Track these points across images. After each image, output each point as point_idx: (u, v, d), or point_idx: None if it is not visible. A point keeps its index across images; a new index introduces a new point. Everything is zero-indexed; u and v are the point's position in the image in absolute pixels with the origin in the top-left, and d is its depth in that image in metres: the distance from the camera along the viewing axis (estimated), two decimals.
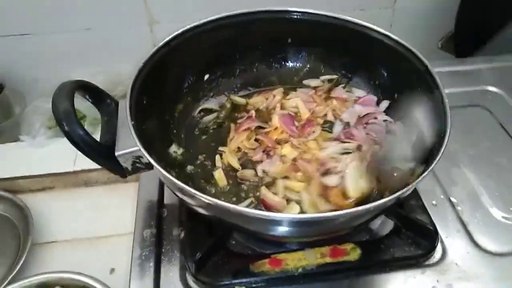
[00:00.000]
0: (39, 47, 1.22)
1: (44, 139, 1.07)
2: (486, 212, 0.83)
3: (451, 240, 0.78)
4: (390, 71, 0.86)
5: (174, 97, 0.86)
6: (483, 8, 1.31)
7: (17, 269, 0.78)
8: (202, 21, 0.84)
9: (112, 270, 0.83)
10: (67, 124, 0.63)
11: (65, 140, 0.64)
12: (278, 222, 0.60)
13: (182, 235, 0.77)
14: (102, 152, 0.67)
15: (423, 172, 0.62)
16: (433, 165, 0.61)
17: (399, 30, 1.39)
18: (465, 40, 1.41)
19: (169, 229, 0.79)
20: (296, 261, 0.72)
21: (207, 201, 0.58)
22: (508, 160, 0.92)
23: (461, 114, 1.00)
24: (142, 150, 0.62)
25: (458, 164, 0.91)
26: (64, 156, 0.98)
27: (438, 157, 0.62)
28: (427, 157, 0.67)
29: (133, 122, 0.66)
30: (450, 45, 1.49)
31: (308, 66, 0.95)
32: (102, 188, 0.99)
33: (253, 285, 0.71)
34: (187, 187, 0.58)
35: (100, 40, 1.26)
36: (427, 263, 0.75)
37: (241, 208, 0.56)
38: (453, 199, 0.85)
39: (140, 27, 1.25)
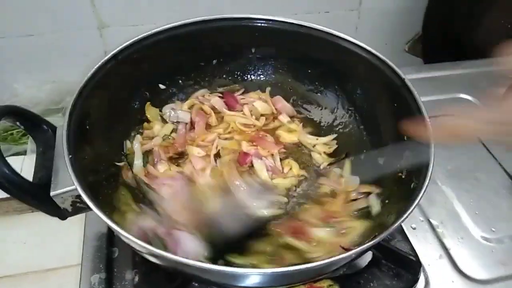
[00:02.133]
0: None
1: None
2: (468, 234, 0.78)
3: (434, 268, 0.72)
4: (362, 85, 0.79)
5: (122, 119, 0.75)
6: (451, 9, 1.28)
7: None
8: (154, 31, 0.74)
9: None
10: None
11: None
12: (240, 276, 0.52)
13: (137, 279, 0.67)
14: (35, 193, 0.57)
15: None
16: (416, 202, 0.54)
17: (365, 33, 1.36)
18: (433, 43, 1.38)
19: (121, 272, 0.69)
20: None
21: (159, 255, 0.48)
22: (486, 174, 0.88)
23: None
24: (81, 191, 0.52)
25: (435, 180, 0.86)
26: None
27: (422, 192, 0.56)
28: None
29: (70, 156, 0.55)
30: (417, 48, 1.46)
31: (274, 78, 0.87)
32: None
33: None
34: (138, 241, 0.49)
35: (45, 46, 1.16)
36: None
37: (201, 264, 0.47)
38: (433, 221, 0.79)
39: (89, 31, 1.16)
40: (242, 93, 0.86)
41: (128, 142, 0.75)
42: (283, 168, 0.76)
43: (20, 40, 1.14)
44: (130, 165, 0.72)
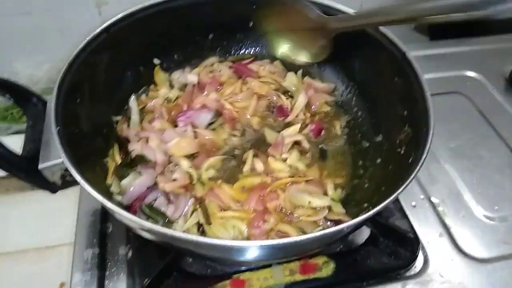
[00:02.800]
0: None
1: None
2: (470, 213, 0.76)
3: (433, 247, 0.71)
4: (363, 59, 0.77)
5: (113, 93, 0.74)
6: None
7: None
8: (147, 4, 0.72)
9: (62, 285, 0.73)
10: None
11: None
12: (232, 249, 0.50)
13: (130, 254, 0.67)
14: (23, 166, 0.56)
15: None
16: (414, 173, 0.53)
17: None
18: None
19: (115, 247, 0.68)
20: (262, 280, 0.63)
21: (148, 228, 0.47)
22: (490, 152, 0.85)
23: (438, 102, 0.90)
24: (68, 164, 0.51)
25: (438, 159, 0.84)
26: None
27: (420, 164, 0.53)
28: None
29: (58, 128, 0.54)
30: (424, 25, 1.42)
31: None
32: (49, 193, 0.88)
33: None
34: (125, 214, 0.47)
35: (43, 25, 1.14)
36: (408, 274, 0.67)
37: (192, 236, 0.46)
38: (434, 199, 0.77)
39: (87, 9, 1.13)
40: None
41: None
42: None
43: (19, 19, 1.12)
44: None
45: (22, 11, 1.11)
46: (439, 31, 1.33)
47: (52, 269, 0.75)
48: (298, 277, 0.63)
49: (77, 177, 0.49)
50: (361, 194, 0.67)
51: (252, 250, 0.50)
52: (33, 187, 0.89)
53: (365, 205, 0.63)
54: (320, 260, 0.65)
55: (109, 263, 0.67)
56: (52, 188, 0.59)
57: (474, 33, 1.12)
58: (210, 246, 0.49)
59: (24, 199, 0.88)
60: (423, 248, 0.70)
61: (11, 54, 1.18)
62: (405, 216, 0.71)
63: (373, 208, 0.50)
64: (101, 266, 0.67)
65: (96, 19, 1.16)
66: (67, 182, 0.58)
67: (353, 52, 0.78)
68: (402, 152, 0.64)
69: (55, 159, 0.55)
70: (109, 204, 0.48)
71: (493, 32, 1.12)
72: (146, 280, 0.60)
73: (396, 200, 0.72)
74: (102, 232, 0.70)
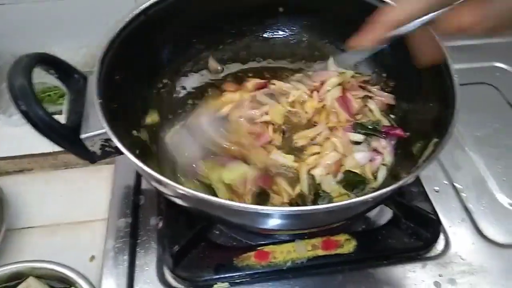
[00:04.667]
0: (14, 19, 1.13)
1: (20, 117, 0.97)
2: (493, 199, 0.76)
3: (455, 230, 0.72)
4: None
5: (152, 72, 0.77)
6: None
7: None
8: None
9: (93, 258, 0.76)
10: (24, 103, 0.55)
11: None
12: (264, 215, 0.53)
13: (161, 224, 0.70)
14: (66, 135, 0.59)
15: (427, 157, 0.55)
16: (439, 150, 0.54)
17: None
18: None
19: (146, 218, 0.72)
20: (285, 253, 0.66)
21: (184, 193, 0.50)
22: None
23: (466, 92, 0.90)
24: (109, 132, 0.54)
25: (463, 146, 0.84)
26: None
27: (445, 141, 0.54)
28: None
29: (100, 101, 0.58)
30: None
31: (304, 39, 0.86)
32: (83, 170, 0.92)
33: (237, 281, 0.64)
34: (162, 178, 0.51)
35: (79, 10, 1.18)
36: (428, 255, 0.69)
37: (224, 201, 0.49)
38: (457, 185, 0.78)
39: None
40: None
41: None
42: None
43: (57, 4, 1.16)
44: None
45: None
46: None
47: (83, 243, 0.78)
48: (320, 252, 0.66)
49: (120, 145, 0.53)
50: None
51: (277, 217, 0.53)
52: (66, 166, 0.94)
53: None
54: (342, 237, 0.67)
55: (141, 233, 0.71)
56: (91, 157, 0.63)
57: None
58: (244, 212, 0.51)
59: (59, 176, 0.92)
60: (444, 232, 0.71)
61: (49, 39, 1.21)
62: (427, 199, 0.72)
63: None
64: (133, 235, 0.71)
65: (131, 4, 1.19)
66: (106, 152, 0.62)
67: None
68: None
69: (96, 129, 0.59)
70: (147, 169, 0.51)
71: None
72: (175, 247, 0.63)
73: (419, 184, 0.74)
74: (135, 203, 0.74)
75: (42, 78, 1.03)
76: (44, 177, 0.92)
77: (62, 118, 0.60)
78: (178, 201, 0.58)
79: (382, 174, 0.69)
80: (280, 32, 0.87)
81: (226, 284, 0.64)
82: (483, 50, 1.04)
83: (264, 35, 0.87)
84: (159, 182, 0.52)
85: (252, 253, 0.65)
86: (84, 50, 1.28)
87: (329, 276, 0.66)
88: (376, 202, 0.57)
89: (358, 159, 0.69)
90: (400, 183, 0.51)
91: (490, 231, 0.72)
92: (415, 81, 0.71)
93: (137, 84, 0.73)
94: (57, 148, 0.90)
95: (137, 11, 0.71)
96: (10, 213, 0.79)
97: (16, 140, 0.93)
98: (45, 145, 0.90)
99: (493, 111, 0.92)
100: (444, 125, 0.56)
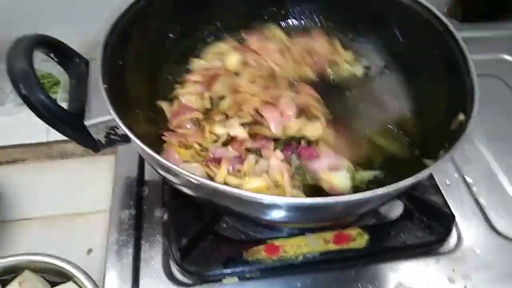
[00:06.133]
0: (7, 5, 1.09)
1: (14, 106, 0.95)
2: (504, 193, 0.75)
3: (467, 225, 0.70)
4: (403, 32, 0.76)
5: (156, 56, 0.74)
6: None
7: None
8: None
9: (90, 251, 0.75)
10: (25, 86, 0.52)
11: None
12: (275, 206, 0.51)
13: (166, 217, 0.68)
14: (69, 121, 0.56)
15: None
16: (457, 145, 0.52)
17: None
18: (472, 2, 1.31)
19: (151, 210, 0.70)
20: (296, 247, 0.64)
21: (194, 181, 0.48)
22: None
23: None
24: (117, 118, 0.52)
25: (473, 140, 0.83)
26: (37, 125, 0.88)
27: (464, 135, 0.53)
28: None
29: (105, 86, 0.55)
30: (458, 10, 1.39)
31: (309, 25, 0.84)
32: (79, 161, 0.90)
33: (247, 275, 0.62)
34: (171, 165, 0.48)
35: None
36: (441, 250, 0.67)
37: (234, 190, 0.46)
38: (468, 179, 0.77)
39: None
40: None
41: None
42: None
43: None
44: None
45: None
46: (473, 17, 1.31)
47: (80, 235, 0.77)
48: (332, 246, 0.64)
49: (128, 132, 0.50)
50: None
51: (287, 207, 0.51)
52: (61, 156, 0.91)
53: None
54: (354, 232, 0.66)
55: (145, 225, 0.68)
56: (96, 145, 0.60)
57: (506, 16, 1.11)
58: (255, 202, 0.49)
59: (54, 167, 0.90)
60: (456, 226, 0.70)
61: (47, 24, 1.17)
62: (439, 193, 0.71)
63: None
64: (137, 227, 0.68)
65: None
66: (111, 140, 0.59)
67: (392, 25, 0.77)
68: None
69: (101, 116, 0.56)
70: (157, 156, 0.48)
71: None
72: (183, 240, 0.61)
73: (431, 178, 0.72)
74: (138, 195, 0.72)
75: (36, 65, 1.01)
76: (39, 167, 0.90)
77: None
78: (187, 191, 0.56)
79: None
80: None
81: (235, 279, 0.62)
82: (490, 43, 1.03)
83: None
84: (168, 170, 0.50)
85: (262, 246, 0.63)
86: (80, 37, 1.24)
87: (342, 271, 0.64)
88: (391, 196, 0.55)
89: None
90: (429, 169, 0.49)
91: (502, 225, 0.71)
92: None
93: (142, 69, 0.70)
94: (51, 138, 0.88)
95: None
96: (4, 205, 0.78)
97: (9, 129, 0.90)
98: (39, 135, 0.88)
99: (500, 104, 0.90)
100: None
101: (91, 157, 0.89)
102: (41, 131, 0.88)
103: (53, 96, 1.11)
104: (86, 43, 1.22)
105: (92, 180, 0.86)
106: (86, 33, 1.18)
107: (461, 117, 0.58)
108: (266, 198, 0.47)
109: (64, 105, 0.62)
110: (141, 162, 0.76)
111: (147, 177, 0.75)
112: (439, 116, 0.64)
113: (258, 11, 0.82)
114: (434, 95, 0.68)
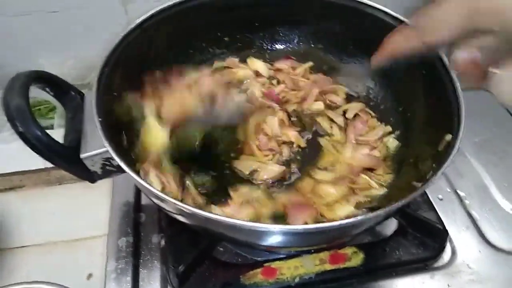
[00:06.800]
0: (2, 31, 1.11)
1: (11, 133, 0.95)
2: (496, 206, 0.76)
3: (461, 239, 0.71)
4: None
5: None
6: None
7: None
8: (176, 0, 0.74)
9: (90, 276, 0.74)
10: (21, 123, 0.53)
11: None
12: (271, 233, 0.52)
13: (163, 243, 0.69)
14: (65, 155, 0.58)
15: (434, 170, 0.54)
16: (445, 165, 0.53)
17: (397, 3, 1.32)
18: None
19: (148, 236, 0.70)
20: (293, 269, 0.64)
21: (187, 210, 0.49)
22: None
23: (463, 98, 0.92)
24: (111, 151, 0.53)
25: (463, 153, 0.84)
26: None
27: (451, 155, 0.54)
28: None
29: (100, 119, 0.56)
30: None
31: (301, 48, 0.86)
32: (77, 186, 0.89)
33: None
34: (167, 197, 0.49)
35: (69, 22, 1.16)
36: (436, 265, 0.68)
37: (232, 220, 0.48)
38: (460, 192, 0.78)
39: (113, 6, 1.15)
40: None
41: None
42: None
43: (46, 17, 1.14)
44: None
45: (50, 9, 1.14)
46: None
47: (80, 261, 0.76)
48: (328, 266, 0.65)
49: (122, 165, 0.51)
50: None
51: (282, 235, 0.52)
52: (60, 182, 0.92)
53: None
54: (349, 251, 0.66)
55: (143, 252, 0.69)
56: (92, 177, 0.61)
57: None
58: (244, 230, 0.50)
59: (52, 193, 0.90)
60: (450, 240, 0.71)
61: (37, 51, 1.20)
62: (432, 208, 0.72)
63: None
64: (135, 254, 0.69)
65: (122, 17, 1.18)
66: (107, 171, 0.60)
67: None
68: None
69: (96, 148, 0.58)
70: (151, 188, 0.49)
71: None
72: (181, 267, 0.62)
73: (423, 193, 0.73)
74: (135, 221, 0.72)
75: (31, 92, 1.02)
76: (37, 194, 0.90)
77: (53, 133, 0.58)
78: (182, 219, 0.57)
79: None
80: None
81: None
82: None
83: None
84: (163, 200, 0.51)
85: (259, 270, 0.64)
86: (71, 63, 1.26)
87: None
88: (389, 214, 0.56)
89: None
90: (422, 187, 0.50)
91: (496, 238, 0.72)
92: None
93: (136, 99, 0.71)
94: (49, 164, 0.89)
95: (132, 25, 0.70)
96: (3, 232, 0.78)
97: (7, 157, 0.90)
98: (37, 161, 0.88)
99: (490, 116, 0.92)
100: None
101: (89, 182, 0.90)
102: (39, 158, 0.88)
103: (50, 121, 1.12)
104: (81, 65, 1.24)
105: (91, 205, 0.85)
106: (76, 58, 1.20)
107: (448, 137, 0.59)
108: (259, 226, 0.48)
109: (61, 131, 0.64)
110: (138, 188, 0.77)
111: (144, 202, 0.76)
112: (426, 140, 0.66)
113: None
114: (421, 117, 0.70)
